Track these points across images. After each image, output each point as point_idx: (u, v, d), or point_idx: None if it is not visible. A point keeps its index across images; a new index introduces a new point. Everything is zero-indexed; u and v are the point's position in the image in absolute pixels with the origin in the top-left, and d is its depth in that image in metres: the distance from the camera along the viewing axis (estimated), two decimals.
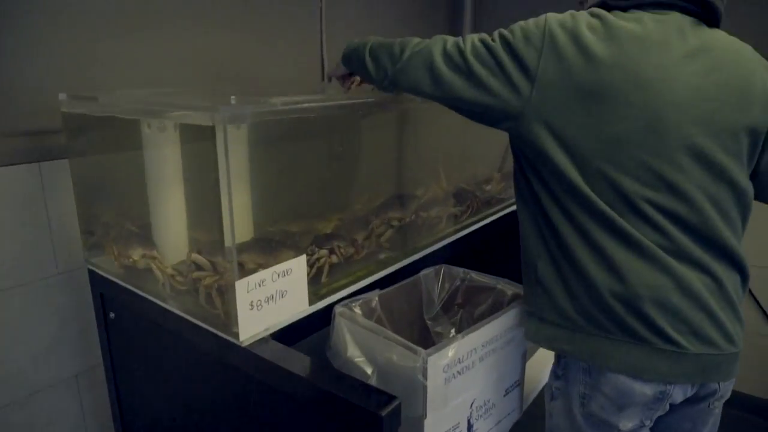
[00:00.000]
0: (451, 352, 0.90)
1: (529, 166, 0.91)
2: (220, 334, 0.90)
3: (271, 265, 0.91)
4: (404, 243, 1.27)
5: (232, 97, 0.85)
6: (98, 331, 1.23)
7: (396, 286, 1.15)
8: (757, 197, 0.93)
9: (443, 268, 1.23)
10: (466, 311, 1.21)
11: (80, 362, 1.30)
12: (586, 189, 0.84)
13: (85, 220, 1.18)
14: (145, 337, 1.11)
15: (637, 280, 0.83)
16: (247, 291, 0.86)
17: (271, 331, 0.92)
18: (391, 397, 0.74)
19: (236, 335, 0.87)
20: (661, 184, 0.82)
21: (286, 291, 0.93)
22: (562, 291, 0.89)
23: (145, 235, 1.07)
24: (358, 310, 1.04)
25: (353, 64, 1.05)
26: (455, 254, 1.37)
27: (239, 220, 0.91)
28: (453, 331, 1.20)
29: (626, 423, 0.90)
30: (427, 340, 1.19)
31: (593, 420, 0.92)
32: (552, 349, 0.96)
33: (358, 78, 1.13)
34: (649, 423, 0.92)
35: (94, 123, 1.11)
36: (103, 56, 1.24)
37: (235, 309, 0.86)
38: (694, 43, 0.83)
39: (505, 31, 0.87)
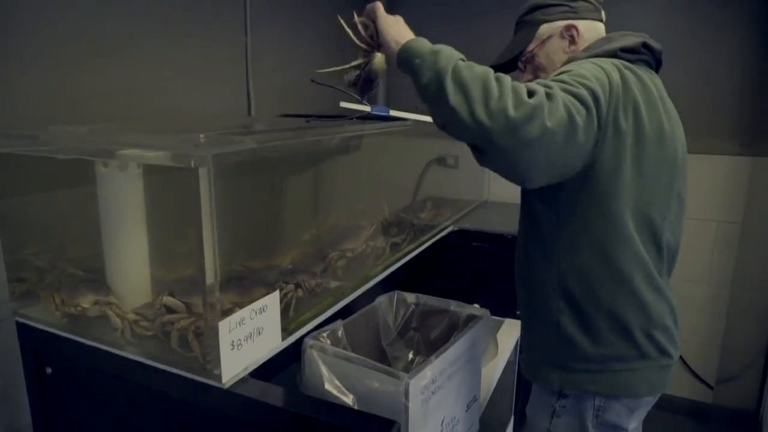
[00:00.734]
0: (428, 373, 0.95)
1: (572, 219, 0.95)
2: (197, 378, 0.87)
3: (246, 304, 0.90)
4: (357, 272, 1.31)
5: (201, 135, 0.85)
6: (27, 390, 1.11)
7: (357, 314, 1.18)
8: None
9: (396, 294, 1.28)
10: (421, 334, 1.27)
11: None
12: (633, 233, 0.93)
13: (13, 266, 1.08)
14: (93, 390, 1.03)
15: (656, 314, 0.97)
16: (228, 331, 0.85)
17: (250, 370, 0.91)
18: (390, 422, 0.78)
19: (218, 377, 0.85)
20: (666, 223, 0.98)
21: (263, 328, 0.93)
22: (587, 340, 0.97)
23: (96, 280, 1.00)
24: (327, 341, 1.05)
25: (419, 74, 0.83)
26: (403, 278, 1.43)
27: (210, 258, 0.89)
28: (411, 354, 1.25)
29: (633, 423, 1.03)
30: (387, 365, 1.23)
31: (605, 427, 1.02)
32: (576, 390, 1.02)
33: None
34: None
35: (25, 162, 1.03)
36: (20, 90, 1.16)
37: (217, 350, 0.84)
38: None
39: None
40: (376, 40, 0.95)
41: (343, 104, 1.31)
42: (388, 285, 1.35)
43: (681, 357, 2.28)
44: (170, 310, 0.90)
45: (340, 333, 1.10)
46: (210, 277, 0.83)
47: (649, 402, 1.04)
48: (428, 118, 1.43)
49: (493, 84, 0.77)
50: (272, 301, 0.95)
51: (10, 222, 1.06)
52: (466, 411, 1.14)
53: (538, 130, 0.74)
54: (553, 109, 0.76)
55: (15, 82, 1.15)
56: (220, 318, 0.83)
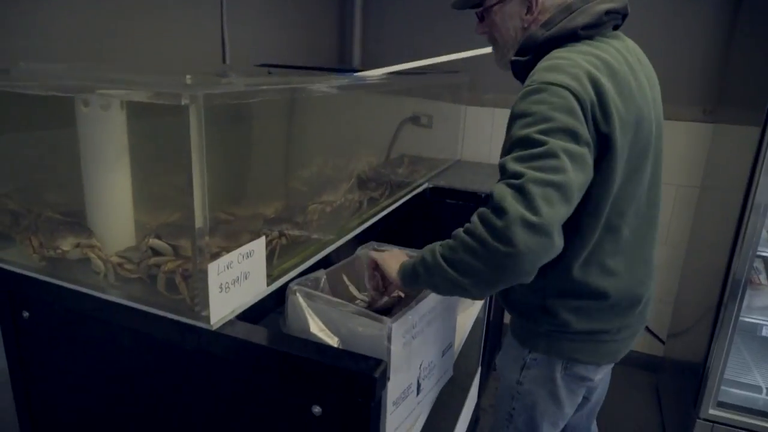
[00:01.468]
0: (410, 317, 0.99)
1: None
2: (184, 320, 0.88)
3: (233, 248, 0.91)
4: (336, 224, 1.32)
5: (187, 76, 0.83)
6: (2, 334, 1.10)
7: (339, 264, 1.20)
8: None
9: (373, 246, 1.31)
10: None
11: None
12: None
13: None
14: (73, 334, 1.03)
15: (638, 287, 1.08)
16: (217, 273, 0.86)
17: (237, 313, 0.92)
18: (378, 360, 0.81)
19: (206, 319, 0.86)
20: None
21: (249, 272, 0.94)
22: (575, 318, 1.04)
23: (77, 223, 0.99)
24: (310, 288, 1.07)
25: (422, 281, 0.97)
26: (381, 233, 1.46)
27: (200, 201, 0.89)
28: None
29: (599, 375, 1.11)
30: None
31: (573, 378, 1.10)
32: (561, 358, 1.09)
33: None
34: None
35: None
36: None
37: (206, 292, 0.85)
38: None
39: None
40: (384, 284, 1.15)
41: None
42: (366, 238, 1.37)
43: None
44: (156, 252, 0.90)
45: (322, 282, 1.13)
46: (200, 220, 0.83)
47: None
48: (400, 67, 1.43)
49: (468, 238, 0.85)
50: (259, 247, 0.96)
51: None
52: (442, 356, 1.19)
53: (526, 237, 0.78)
54: (535, 207, 0.79)
55: None
56: (209, 261, 0.84)
